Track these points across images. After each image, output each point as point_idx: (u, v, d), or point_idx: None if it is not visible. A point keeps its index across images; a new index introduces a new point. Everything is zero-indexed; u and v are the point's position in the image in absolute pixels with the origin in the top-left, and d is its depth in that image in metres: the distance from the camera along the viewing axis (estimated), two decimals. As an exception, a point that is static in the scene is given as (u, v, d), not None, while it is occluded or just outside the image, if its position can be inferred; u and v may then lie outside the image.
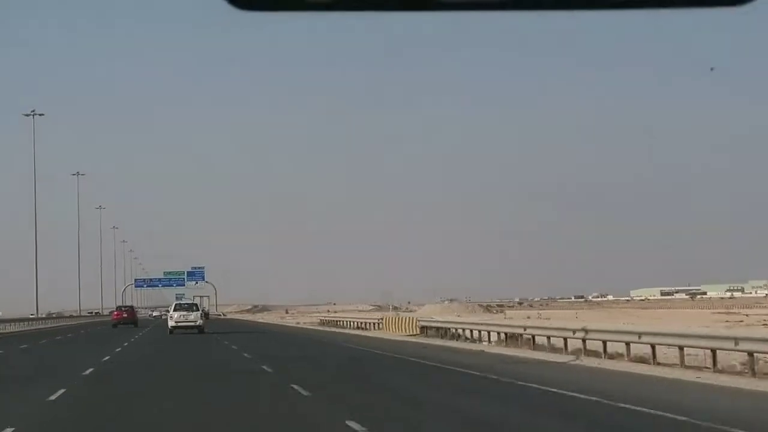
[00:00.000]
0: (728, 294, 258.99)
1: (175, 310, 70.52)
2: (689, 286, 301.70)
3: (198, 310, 71.51)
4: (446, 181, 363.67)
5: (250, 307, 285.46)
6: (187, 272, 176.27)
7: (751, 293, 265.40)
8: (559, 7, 3.58)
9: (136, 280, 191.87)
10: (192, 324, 67.92)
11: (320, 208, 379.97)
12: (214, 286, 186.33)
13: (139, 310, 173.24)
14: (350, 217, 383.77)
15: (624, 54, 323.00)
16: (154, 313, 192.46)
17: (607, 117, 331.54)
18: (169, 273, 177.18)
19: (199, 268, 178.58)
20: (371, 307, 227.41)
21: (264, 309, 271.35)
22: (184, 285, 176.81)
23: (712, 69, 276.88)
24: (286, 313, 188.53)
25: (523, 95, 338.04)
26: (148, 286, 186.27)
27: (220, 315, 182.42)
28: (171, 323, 68.66)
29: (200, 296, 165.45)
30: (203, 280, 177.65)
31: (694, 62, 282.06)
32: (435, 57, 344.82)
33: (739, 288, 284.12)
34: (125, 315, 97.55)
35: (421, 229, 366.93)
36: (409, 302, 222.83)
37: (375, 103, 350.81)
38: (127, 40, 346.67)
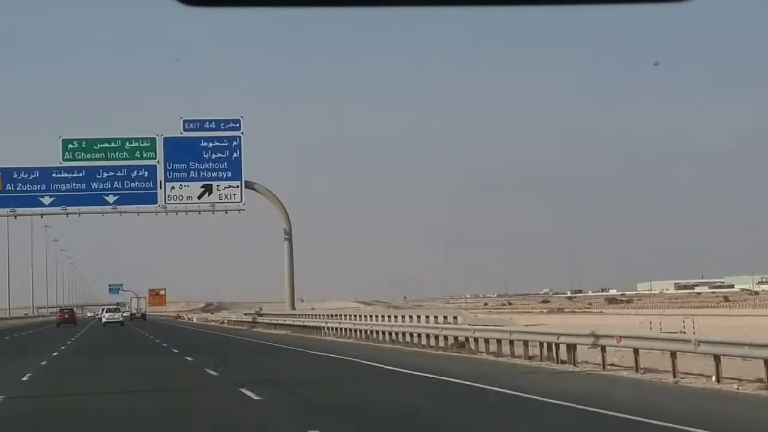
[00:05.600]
0: (759, 287, 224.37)
1: (106, 311, 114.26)
2: (702, 278, 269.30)
3: (120, 311, 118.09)
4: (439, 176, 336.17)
5: (203, 305, 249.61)
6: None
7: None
8: (510, 3, 3.99)
9: None
10: (117, 320, 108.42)
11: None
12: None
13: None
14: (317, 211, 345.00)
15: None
16: (89, 314, 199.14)
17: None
18: None
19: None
20: (358, 304, 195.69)
21: (220, 307, 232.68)
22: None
23: (656, 64, 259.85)
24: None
25: (512, 87, 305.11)
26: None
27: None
28: (104, 319, 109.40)
29: (138, 297, 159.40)
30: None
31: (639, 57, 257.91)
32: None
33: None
34: (66, 316, 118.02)
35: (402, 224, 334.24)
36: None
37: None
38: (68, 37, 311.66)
